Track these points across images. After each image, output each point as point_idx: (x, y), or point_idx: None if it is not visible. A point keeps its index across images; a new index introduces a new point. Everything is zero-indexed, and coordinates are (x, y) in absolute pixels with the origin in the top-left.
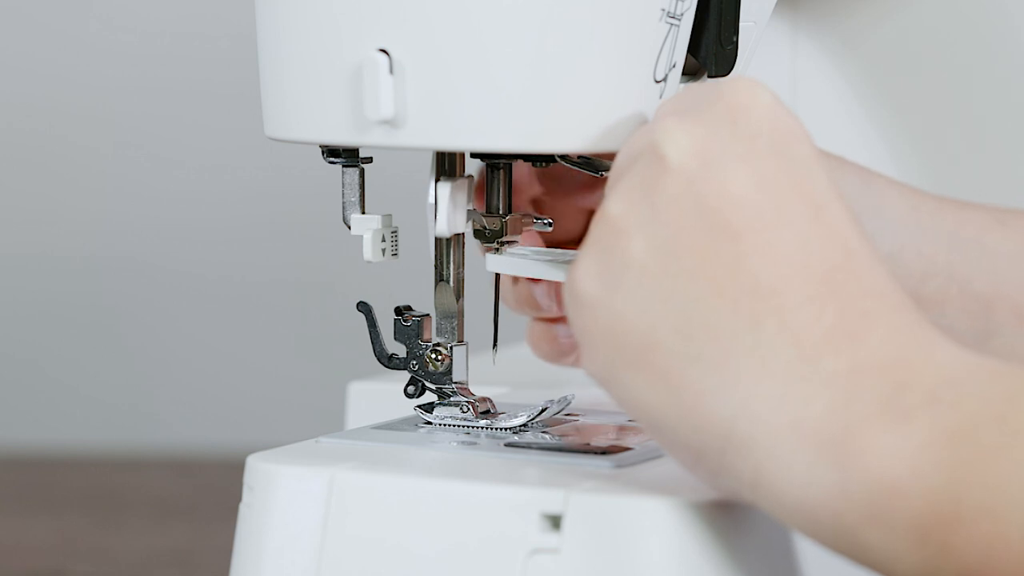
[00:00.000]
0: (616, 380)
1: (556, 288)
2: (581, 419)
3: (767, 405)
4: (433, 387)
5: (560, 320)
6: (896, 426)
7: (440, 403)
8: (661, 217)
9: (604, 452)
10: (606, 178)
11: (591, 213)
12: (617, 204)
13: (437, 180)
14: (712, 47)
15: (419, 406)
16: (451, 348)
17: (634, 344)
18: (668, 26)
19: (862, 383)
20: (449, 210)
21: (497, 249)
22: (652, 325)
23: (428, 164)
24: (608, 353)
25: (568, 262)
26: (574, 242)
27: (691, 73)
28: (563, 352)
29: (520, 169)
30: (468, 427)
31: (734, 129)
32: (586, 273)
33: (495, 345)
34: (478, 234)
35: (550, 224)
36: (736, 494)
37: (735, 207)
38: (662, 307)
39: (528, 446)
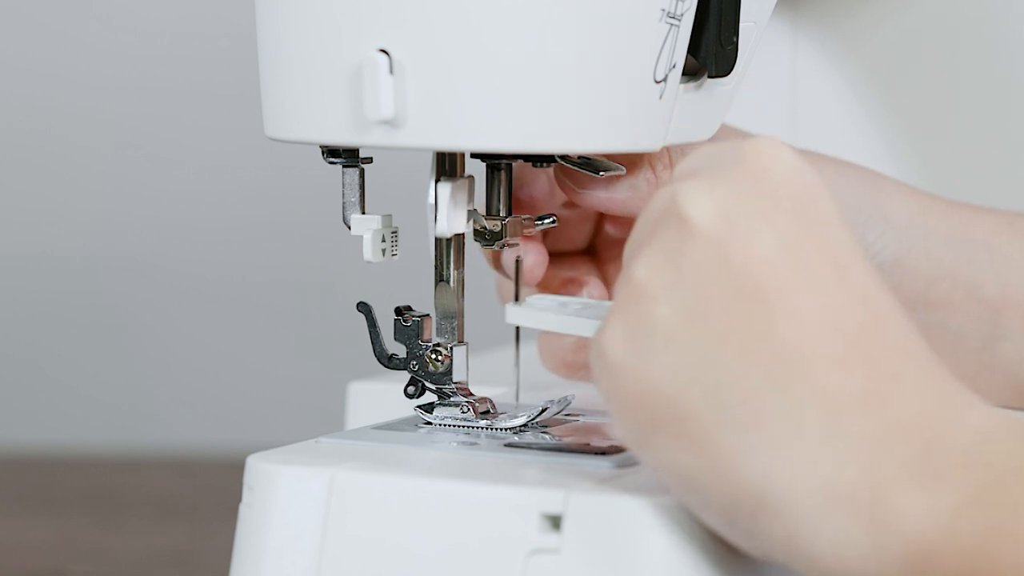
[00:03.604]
0: (647, 444)
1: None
2: (581, 419)
3: (799, 469)
4: (433, 387)
5: None
6: (927, 488)
7: (440, 403)
8: (687, 282)
9: (604, 452)
10: (604, 178)
11: (599, 222)
12: (642, 269)
13: (437, 180)
14: (712, 47)
15: (419, 406)
16: (451, 348)
17: (664, 410)
18: (668, 26)
19: (892, 445)
20: (449, 210)
21: (517, 299)
22: (682, 391)
23: (428, 164)
24: (638, 418)
25: (593, 316)
26: (579, 251)
27: (691, 73)
28: (576, 366)
29: (538, 182)
30: (468, 427)
31: (757, 191)
32: (613, 339)
33: (517, 397)
34: (478, 235)
35: (555, 221)
36: (770, 557)
37: (761, 271)
38: (691, 373)
39: (528, 446)
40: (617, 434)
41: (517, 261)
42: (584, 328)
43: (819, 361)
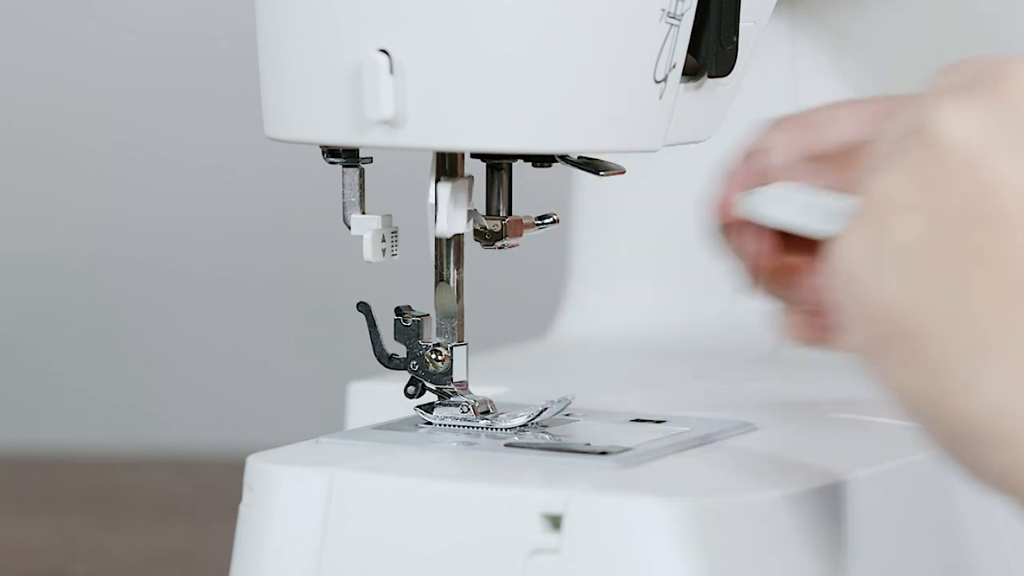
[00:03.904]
0: (876, 359)
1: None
2: (581, 419)
3: None
4: (433, 387)
5: (814, 312)
6: None
7: (440, 403)
8: (935, 201)
9: (604, 452)
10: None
11: None
12: (888, 182)
13: (437, 180)
14: (712, 47)
15: (419, 406)
16: (451, 348)
17: (897, 327)
18: (668, 26)
19: None
20: (449, 210)
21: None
22: (917, 310)
23: (428, 164)
24: (870, 333)
25: (832, 216)
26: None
27: (691, 73)
28: (825, 338)
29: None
30: (468, 427)
31: (1016, 114)
32: (853, 249)
33: (748, 286)
34: (478, 235)
35: (556, 220)
36: (989, 485)
37: (1013, 199)
38: (927, 293)
39: (528, 446)
40: (848, 345)
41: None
42: (819, 229)
43: None
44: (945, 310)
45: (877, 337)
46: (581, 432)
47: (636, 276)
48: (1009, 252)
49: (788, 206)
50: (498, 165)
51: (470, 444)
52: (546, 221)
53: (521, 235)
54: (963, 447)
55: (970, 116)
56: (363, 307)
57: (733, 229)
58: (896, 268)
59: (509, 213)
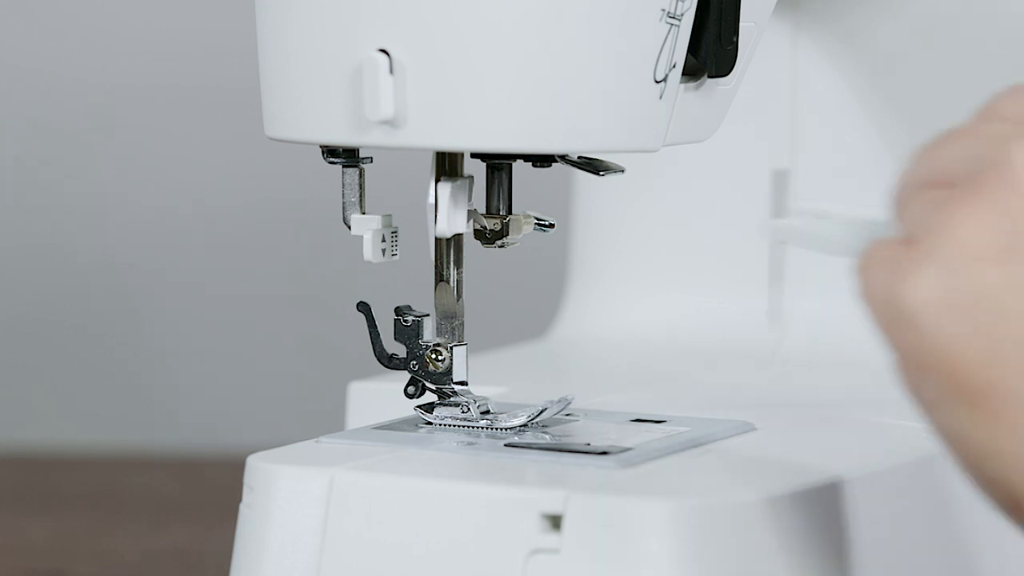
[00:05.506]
0: (938, 409)
1: None
2: (581, 419)
3: None
4: (433, 387)
5: None
6: None
7: (440, 403)
8: (1021, 249)
9: (604, 452)
10: None
11: None
12: (969, 225)
13: (437, 180)
14: (712, 47)
15: (419, 406)
16: (451, 348)
17: (967, 377)
18: (668, 26)
19: None
20: (449, 210)
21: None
22: (993, 361)
23: (428, 164)
24: (935, 379)
25: (864, 236)
26: None
27: (691, 73)
28: None
29: None
30: (468, 427)
31: None
32: (926, 289)
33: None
34: (478, 234)
35: (552, 225)
36: None
37: None
38: (1011, 347)
39: (528, 446)
40: (905, 389)
41: None
42: (857, 249)
43: None
44: None
45: (943, 384)
46: (581, 432)
47: (635, 276)
48: None
49: (816, 229)
50: (498, 165)
51: (470, 444)
52: (543, 223)
53: (521, 234)
54: None
55: None
56: (363, 307)
57: None
58: (974, 317)
59: (509, 213)
